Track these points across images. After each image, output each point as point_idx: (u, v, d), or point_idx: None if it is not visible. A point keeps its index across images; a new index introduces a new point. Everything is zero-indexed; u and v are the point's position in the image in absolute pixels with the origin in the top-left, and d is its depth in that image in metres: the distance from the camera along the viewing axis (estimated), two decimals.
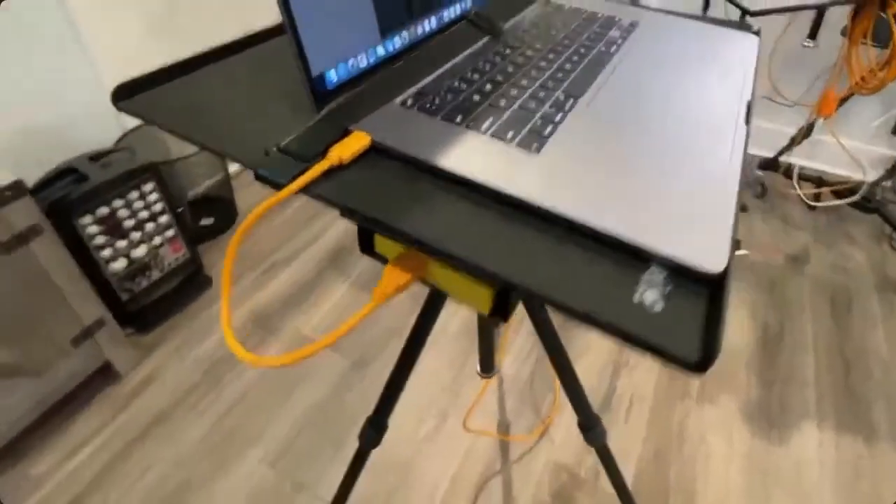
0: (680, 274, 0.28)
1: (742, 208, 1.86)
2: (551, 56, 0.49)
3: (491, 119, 0.38)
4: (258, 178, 0.33)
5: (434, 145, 0.35)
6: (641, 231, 0.29)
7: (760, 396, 1.29)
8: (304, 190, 0.31)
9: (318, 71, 0.36)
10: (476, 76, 0.44)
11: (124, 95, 0.39)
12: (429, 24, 0.47)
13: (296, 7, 0.33)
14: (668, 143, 0.38)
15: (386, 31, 0.42)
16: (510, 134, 0.37)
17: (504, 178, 0.32)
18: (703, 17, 0.62)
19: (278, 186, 0.32)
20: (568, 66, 0.47)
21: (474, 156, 0.34)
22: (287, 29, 0.33)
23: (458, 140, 0.36)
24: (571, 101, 0.42)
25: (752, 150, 2.15)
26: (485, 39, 0.51)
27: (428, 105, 0.39)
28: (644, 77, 0.47)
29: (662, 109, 0.42)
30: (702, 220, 0.30)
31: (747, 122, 0.41)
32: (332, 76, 0.37)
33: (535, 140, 0.36)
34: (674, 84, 0.46)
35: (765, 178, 1.97)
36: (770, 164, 1.95)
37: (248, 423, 1.19)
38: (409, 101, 0.39)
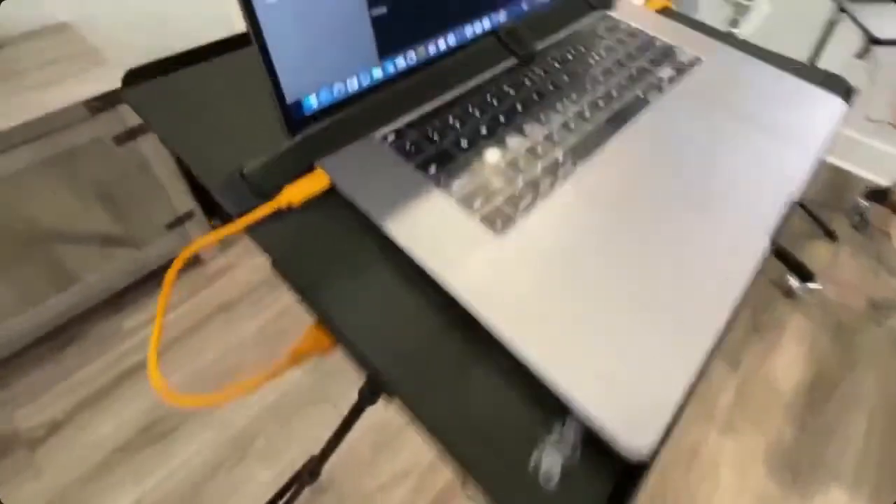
0: (592, 444, 0.23)
1: (830, 235, 1.60)
2: (574, 96, 0.42)
3: (466, 178, 0.34)
4: (213, 206, 0.34)
5: (391, 202, 0.32)
6: (565, 372, 0.25)
7: (792, 442, 1.18)
8: (248, 229, 0.32)
9: (295, 97, 0.34)
10: (477, 112, 0.40)
11: (132, 81, 0.40)
12: (444, 43, 0.42)
13: (269, 25, 0.30)
14: (654, 266, 0.31)
15: (386, 52, 0.39)
16: (478, 203, 0.33)
17: (444, 263, 0.29)
18: (789, 63, 0.51)
19: (229, 217, 0.32)
20: (588, 112, 0.41)
21: (427, 225, 0.31)
22: (257, 51, 0.30)
23: (420, 199, 0.33)
24: (569, 165, 0.37)
25: (864, 174, 1.83)
26: (510, 62, 0.46)
27: (407, 146, 0.36)
28: (671, 146, 0.39)
29: (671, 202, 0.35)
30: (648, 385, 0.25)
31: (775, 237, 0.34)
32: (312, 102, 0.35)
33: (502, 217, 0.32)
34: (703, 163, 0.38)
35: (868, 210, 1.66)
36: (879, 196, 1.64)
37: (295, 327, 1.35)
38: (391, 137, 0.37)
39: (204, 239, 0.31)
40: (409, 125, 0.38)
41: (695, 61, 0.49)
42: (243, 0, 0.28)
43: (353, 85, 0.37)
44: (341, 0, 0.33)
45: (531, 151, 0.37)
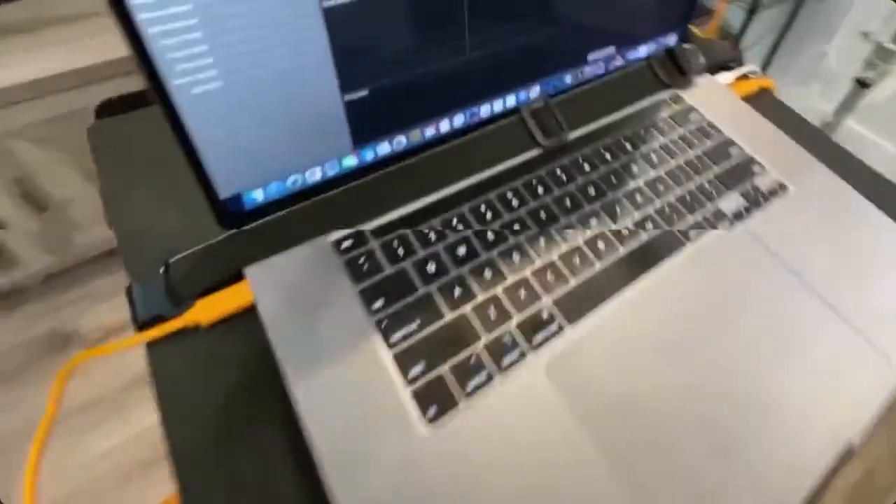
0: None
1: None
2: (593, 220, 0.32)
3: (415, 325, 0.26)
4: (127, 295, 0.28)
5: (311, 346, 0.25)
6: None
7: None
8: (149, 344, 0.26)
9: (233, 191, 0.28)
10: (461, 226, 0.31)
11: (106, 112, 0.36)
12: (448, 124, 0.34)
13: (196, 116, 0.24)
14: None
15: (365, 138, 0.31)
16: (417, 368, 0.25)
17: (342, 467, 0.22)
18: None
19: (136, 320, 0.27)
20: (604, 247, 0.31)
21: (343, 393, 0.24)
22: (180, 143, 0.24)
23: (349, 345, 0.25)
24: (554, 326, 0.27)
25: None
26: (531, 154, 0.36)
27: (361, 260, 0.29)
28: (706, 321, 0.28)
29: (686, 427, 0.24)
30: None
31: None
32: (256, 196, 0.29)
33: (441, 399, 0.24)
34: (742, 359, 0.26)
35: None
36: None
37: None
38: (346, 244, 0.30)
39: (89, 352, 0.26)
40: (375, 232, 0.30)
41: (777, 190, 0.36)
42: (153, 89, 0.22)
43: (314, 175, 0.30)
44: (301, 84, 0.26)
45: (511, 296, 0.28)
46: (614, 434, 0.23)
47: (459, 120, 0.34)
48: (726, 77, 0.45)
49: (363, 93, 0.29)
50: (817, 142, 0.40)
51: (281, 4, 0.24)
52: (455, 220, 0.31)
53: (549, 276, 0.29)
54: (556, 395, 0.25)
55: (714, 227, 0.33)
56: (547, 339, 0.27)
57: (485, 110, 0.35)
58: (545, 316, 0.28)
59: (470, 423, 0.23)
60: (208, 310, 0.27)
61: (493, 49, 0.32)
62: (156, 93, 0.22)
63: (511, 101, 0.36)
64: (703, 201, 0.34)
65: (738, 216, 0.34)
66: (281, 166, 0.29)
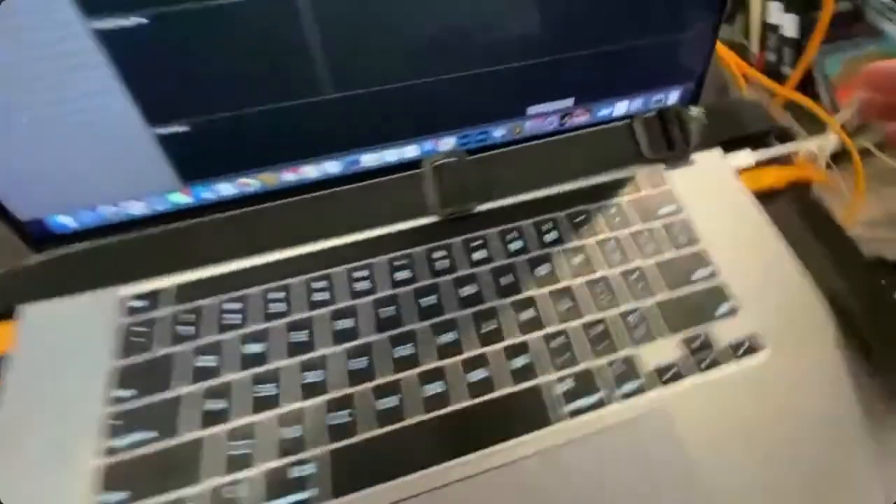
0: None
1: None
2: (445, 338, 0.23)
3: (144, 437, 0.20)
4: None
5: (25, 426, 0.20)
6: None
7: None
8: None
9: (35, 215, 0.24)
10: (278, 307, 0.24)
11: None
12: (316, 171, 0.27)
13: None
14: None
15: (197, 175, 0.25)
16: (117, 496, 0.19)
17: None
18: None
19: None
20: (438, 385, 0.22)
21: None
22: None
23: (56, 442, 0.20)
24: (304, 497, 0.19)
25: None
26: (420, 222, 0.27)
27: (140, 328, 0.23)
28: None
29: None
30: None
31: None
32: (65, 222, 0.25)
33: None
34: None
35: None
36: None
37: None
38: (134, 304, 0.24)
39: None
40: (179, 292, 0.24)
41: (745, 349, 0.23)
42: None
43: (134, 208, 0.26)
44: (95, 113, 0.22)
45: (270, 432, 0.21)
46: None
47: (334, 167, 0.27)
48: (743, 158, 0.31)
49: (181, 127, 0.23)
50: (853, 284, 0.25)
51: (39, 27, 0.19)
52: (272, 295, 0.24)
53: (336, 416, 0.21)
54: None
55: (619, 388, 0.22)
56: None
57: (370, 159, 0.28)
58: (305, 473, 0.20)
59: None
60: None
61: (368, 90, 0.25)
62: None
63: (413, 151, 0.28)
64: (625, 342, 0.23)
65: (669, 377, 0.22)
66: (87, 195, 0.25)
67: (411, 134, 0.27)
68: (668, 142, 0.30)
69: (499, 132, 0.29)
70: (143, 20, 0.20)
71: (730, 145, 0.31)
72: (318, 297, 0.25)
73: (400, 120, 0.27)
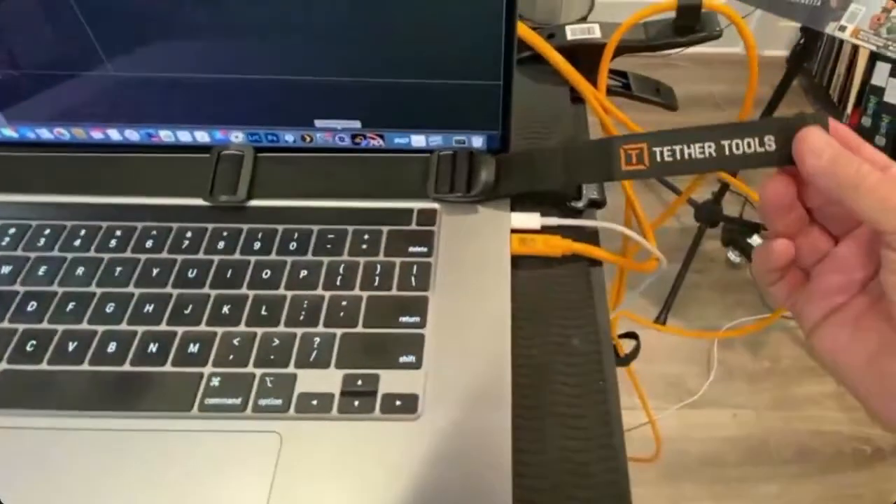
0: None
1: None
2: (145, 311, 0.25)
3: None
4: None
5: None
6: None
7: None
8: None
9: None
10: (42, 240, 0.27)
11: None
12: (119, 135, 0.29)
13: None
14: None
15: (18, 118, 0.29)
16: None
17: None
18: None
19: None
20: (131, 343, 0.24)
21: None
22: None
23: None
24: None
25: None
26: (195, 202, 0.29)
27: None
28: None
29: None
30: None
31: None
32: None
33: None
34: None
35: None
36: None
37: None
38: None
39: None
40: None
41: (404, 406, 0.23)
42: None
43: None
44: None
45: None
46: None
47: (133, 135, 0.30)
48: (526, 220, 0.28)
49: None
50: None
51: None
52: (50, 231, 0.28)
53: (37, 342, 0.24)
54: None
55: (260, 399, 0.22)
56: None
57: (165, 135, 0.30)
58: None
59: None
60: None
61: (145, 75, 0.27)
62: None
63: (203, 136, 0.30)
64: (292, 361, 0.24)
65: (308, 405, 0.23)
66: None
67: (201, 121, 0.29)
68: (452, 183, 0.29)
69: (289, 136, 0.30)
70: None
71: (542, 201, 0.30)
72: (77, 242, 0.28)
73: (188, 107, 0.28)
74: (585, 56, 0.39)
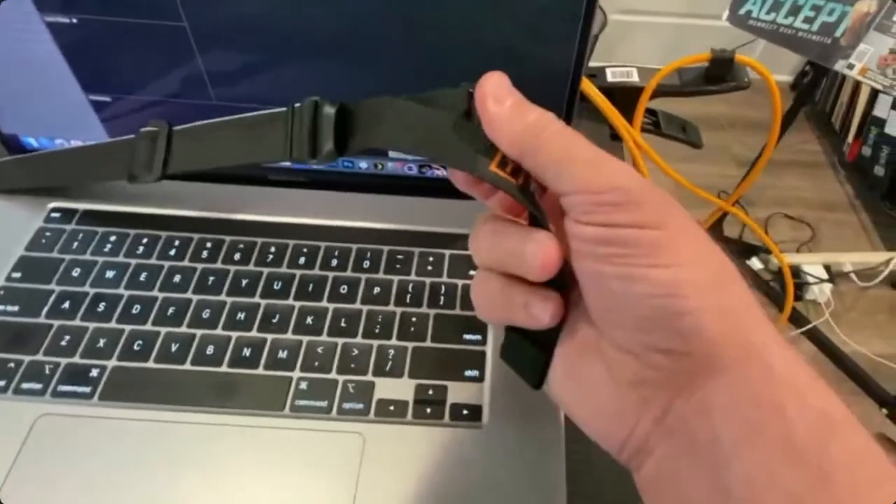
0: None
1: None
2: (238, 318, 0.27)
3: (12, 309, 0.27)
4: None
5: None
6: None
7: None
8: None
9: (11, 131, 0.32)
10: (142, 247, 0.29)
11: None
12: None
13: None
14: None
15: (119, 132, 0.30)
16: None
17: None
18: None
19: None
20: (230, 347, 0.26)
21: None
22: None
23: None
24: (83, 391, 0.25)
25: None
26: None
27: (47, 233, 0.30)
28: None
29: None
30: None
31: None
32: (32, 141, 0.32)
33: None
34: None
35: None
36: None
37: None
38: (54, 215, 0.31)
39: None
40: (88, 214, 0.31)
41: (474, 414, 0.25)
42: None
43: (77, 144, 0.32)
44: (54, 76, 0.28)
45: (98, 335, 0.26)
46: None
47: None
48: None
49: (106, 97, 0.29)
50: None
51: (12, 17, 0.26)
52: (147, 241, 0.30)
53: (143, 342, 0.26)
54: (17, 445, 0.24)
55: (344, 403, 0.25)
56: (70, 395, 0.25)
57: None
58: (93, 374, 0.26)
59: None
60: None
61: (244, 105, 0.29)
62: None
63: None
64: (370, 370, 0.26)
65: (387, 410, 0.25)
66: (46, 129, 0.32)
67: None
68: None
69: (364, 164, 0.32)
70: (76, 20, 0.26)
71: None
72: (172, 252, 0.30)
73: None
74: (622, 97, 0.42)
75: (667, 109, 0.45)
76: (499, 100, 0.15)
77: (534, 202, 0.16)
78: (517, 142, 0.15)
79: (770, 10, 0.80)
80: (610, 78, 0.41)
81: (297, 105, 0.21)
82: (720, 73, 0.40)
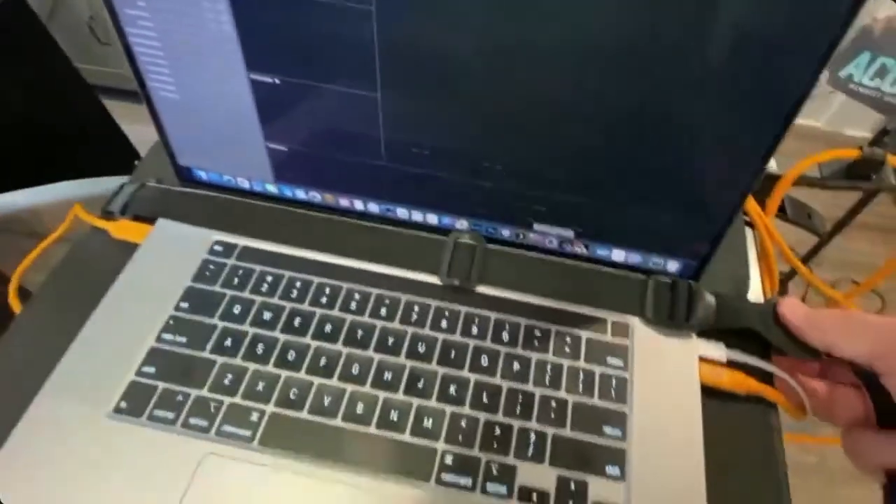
0: None
1: None
2: (414, 381, 0.27)
3: (180, 340, 0.28)
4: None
5: (132, 294, 0.29)
6: None
7: None
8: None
9: (186, 164, 0.34)
10: (295, 293, 0.30)
11: None
12: (361, 205, 0.33)
13: (161, 105, 0.30)
14: None
15: (283, 178, 0.33)
16: (150, 370, 0.27)
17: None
18: None
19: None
20: (388, 412, 0.27)
21: (105, 333, 0.28)
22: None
23: (139, 313, 0.29)
24: (244, 434, 0.26)
25: None
26: (428, 279, 0.31)
27: (211, 266, 0.31)
28: None
29: None
30: None
31: None
32: (201, 174, 0.35)
33: (134, 404, 0.26)
34: None
35: None
36: None
37: None
38: (217, 248, 0.32)
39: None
40: (246, 250, 0.32)
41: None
42: (137, 79, 0.29)
43: (244, 183, 0.34)
44: (235, 123, 0.30)
45: (260, 379, 0.27)
46: None
47: (374, 207, 0.33)
48: (713, 349, 0.29)
49: (283, 147, 0.31)
50: None
51: (220, 69, 0.28)
52: (301, 285, 0.31)
53: (298, 391, 0.27)
54: (186, 481, 0.25)
55: (487, 483, 0.25)
56: (232, 437, 0.26)
57: (401, 212, 0.33)
58: (253, 417, 0.27)
59: (130, 435, 0.26)
60: (121, 229, 0.34)
61: (409, 167, 0.30)
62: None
63: (433, 219, 0.33)
64: (512, 452, 0.26)
65: (530, 498, 0.25)
66: (219, 166, 0.34)
67: (435, 208, 0.32)
68: (671, 312, 0.30)
69: (506, 231, 0.32)
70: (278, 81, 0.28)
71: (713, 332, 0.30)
72: (324, 299, 0.31)
73: (429, 195, 0.32)
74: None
75: None
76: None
77: None
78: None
79: (874, 77, 0.76)
80: None
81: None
82: (866, 171, 0.38)
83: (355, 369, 0.29)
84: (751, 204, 0.38)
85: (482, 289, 0.32)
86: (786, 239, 0.37)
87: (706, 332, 0.30)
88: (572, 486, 0.26)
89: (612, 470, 0.26)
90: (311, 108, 0.29)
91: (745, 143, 0.26)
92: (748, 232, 0.39)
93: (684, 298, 0.30)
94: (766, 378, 0.30)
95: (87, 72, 0.79)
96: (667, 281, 0.31)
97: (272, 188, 0.34)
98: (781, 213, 0.43)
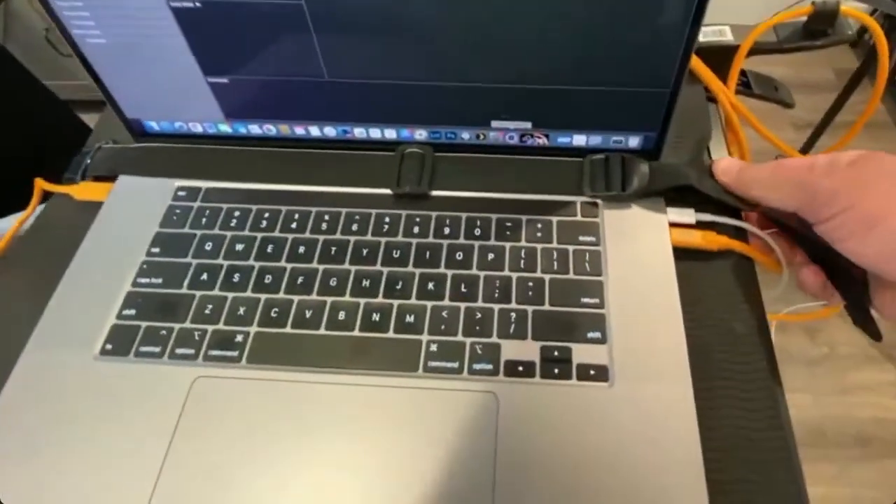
0: None
1: None
2: (374, 284, 0.28)
3: (156, 281, 0.29)
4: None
5: (101, 252, 0.30)
6: None
7: None
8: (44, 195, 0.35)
9: (134, 116, 0.33)
10: (264, 221, 0.30)
11: None
12: (318, 131, 0.33)
13: (100, 64, 0.30)
14: None
15: (234, 115, 0.32)
16: (130, 312, 0.27)
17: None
18: None
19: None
20: (359, 315, 0.27)
21: (85, 284, 0.28)
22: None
23: (110, 265, 0.29)
24: (231, 355, 0.26)
25: None
26: (384, 191, 0.31)
27: (177, 210, 0.31)
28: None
29: None
30: None
31: None
32: (153, 125, 0.34)
33: (118, 345, 0.27)
34: None
35: None
36: None
37: None
38: (181, 193, 0.32)
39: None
40: (210, 191, 0.32)
41: (593, 374, 0.25)
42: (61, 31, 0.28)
43: (196, 127, 0.33)
44: (170, 60, 0.29)
45: (237, 304, 0.28)
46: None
47: (331, 131, 0.33)
48: (682, 215, 0.30)
49: (224, 79, 0.30)
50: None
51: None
52: (269, 215, 0.31)
53: (279, 310, 0.28)
54: (179, 405, 0.25)
55: (474, 364, 0.25)
56: (220, 359, 0.26)
57: (358, 132, 0.32)
58: (238, 339, 0.27)
59: (119, 373, 0.26)
60: (83, 191, 0.33)
61: (355, 81, 0.29)
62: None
63: (391, 133, 0.32)
64: (494, 332, 0.26)
65: (516, 371, 0.25)
66: (168, 113, 0.33)
67: (391, 120, 0.32)
68: (608, 183, 0.31)
69: (466, 134, 0.32)
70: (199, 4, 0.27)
71: (684, 196, 0.30)
72: (294, 225, 0.31)
73: (382, 108, 0.31)
74: (714, 57, 0.40)
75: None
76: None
77: None
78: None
79: None
80: (702, 38, 0.39)
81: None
82: (822, 27, 0.37)
83: (333, 282, 0.29)
84: (712, 80, 0.37)
85: (439, 192, 0.32)
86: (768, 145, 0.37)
87: (647, 194, 0.30)
88: (556, 353, 0.26)
89: (593, 335, 0.27)
90: (240, 30, 0.28)
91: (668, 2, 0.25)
92: (712, 108, 0.38)
93: (618, 170, 0.31)
94: (742, 235, 0.30)
95: (56, 87, 0.76)
96: (601, 157, 0.31)
97: (226, 128, 0.33)
98: (748, 88, 0.43)
